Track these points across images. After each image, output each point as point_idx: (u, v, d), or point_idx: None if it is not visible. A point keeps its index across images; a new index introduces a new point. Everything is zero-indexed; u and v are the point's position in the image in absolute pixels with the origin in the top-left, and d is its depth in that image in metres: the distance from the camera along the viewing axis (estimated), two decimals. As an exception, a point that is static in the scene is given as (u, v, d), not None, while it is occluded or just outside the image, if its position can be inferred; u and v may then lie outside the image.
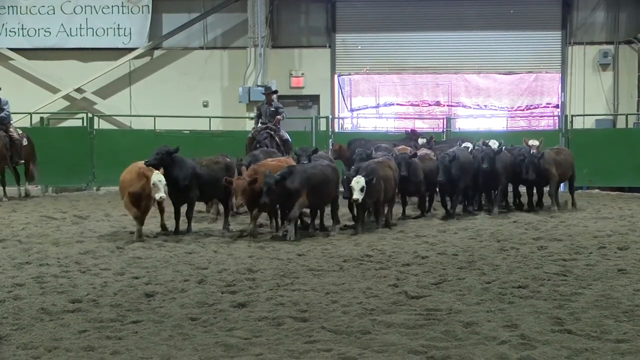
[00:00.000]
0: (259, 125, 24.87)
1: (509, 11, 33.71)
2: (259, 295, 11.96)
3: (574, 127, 30.68)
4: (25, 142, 26.21)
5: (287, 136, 25.12)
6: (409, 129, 28.60)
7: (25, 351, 9.11)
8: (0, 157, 25.27)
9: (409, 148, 22.80)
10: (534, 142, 21.77)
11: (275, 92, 26.33)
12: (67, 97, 34.16)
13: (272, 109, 25.10)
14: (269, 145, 23.74)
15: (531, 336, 9.35)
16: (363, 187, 17.25)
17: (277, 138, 24.47)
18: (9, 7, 33.82)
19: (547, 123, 34.14)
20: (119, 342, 9.43)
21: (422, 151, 21.66)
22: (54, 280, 13.18)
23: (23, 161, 26.03)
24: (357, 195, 17.32)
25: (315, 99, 34.16)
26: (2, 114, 25.62)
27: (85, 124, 30.83)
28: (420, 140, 25.39)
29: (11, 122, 26.32)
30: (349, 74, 34.62)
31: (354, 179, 17.33)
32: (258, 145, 23.63)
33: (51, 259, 15.04)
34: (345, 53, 34.30)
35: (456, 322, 10.14)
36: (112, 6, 33.74)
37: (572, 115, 31.26)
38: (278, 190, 16.76)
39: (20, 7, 33.81)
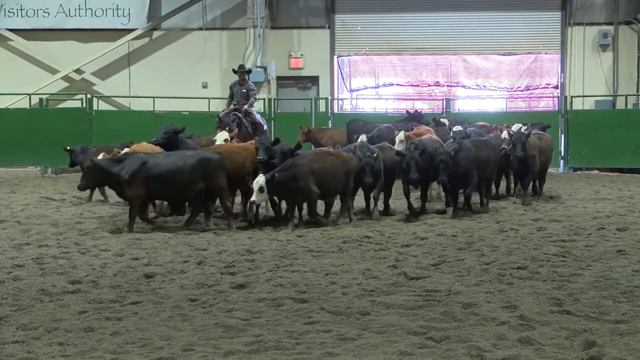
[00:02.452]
0: (231, 106, 24.20)
1: (509, -8, 33.69)
2: (258, 276, 11.98)
3: (573, 108, 30.76)
4: None
5: (259, 119, 24.52)
6: (413, 110, 28.37)
7: (25, 332, 9.13)
8: None
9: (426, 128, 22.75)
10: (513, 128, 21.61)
11: (249, 71, 25.71)
12: (66, 78, 34.15)
13: (244, 90, 24.42)
14: (234, 128, 22.77)
15: (530, 317, 9.37)
16: (262, 187, 15.96)
17: (245, 121, 23.74)
18: (7, -12, 33.81)
19: (546, 104, 34.17)
20: (119, 323, 9.45)
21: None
22: (53, 261, 13.19)
23: None
24: (254, 197, 16.17)
25: (314, 80, 34.16)
26: None
27: (84, 105, 30.87)
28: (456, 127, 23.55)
29: None
30: (349, 55, 34.61)
31: (256, 179, 16.19)
32: (227, 129, 23.11)
33: (51, 240, 15.06)
34: (344, 34, 34.27)
35: (455, 303, 10.16)
36: (112, -13, 33.72)
37: (572, 97, 31.31)
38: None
39: (19, -13, 33.79)
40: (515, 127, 21.50)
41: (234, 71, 24.84)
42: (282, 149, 17.06)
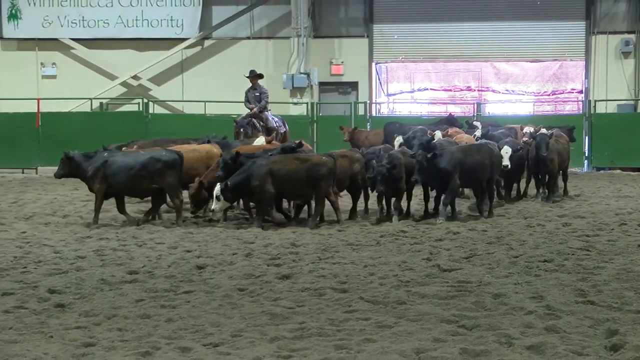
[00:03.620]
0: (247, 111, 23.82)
1: (535, 2, 33.40)
2: (301, 267, 12.00)
3: (596, 112, 30.54)
4: None
5: (273, 123, 23.77)
6: (447, 113, 28.33)
7: (87, 318, 9.20)
8: None
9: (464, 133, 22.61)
10: (529, 129, 21.40)
11: (260, 76, 24.73)
12: (124, 84, 34.30)
13: (257, 93, 24.01)
14: (249, 131, 22.77)
15: (556, 307, 9.32)
16: (218, 196, 15.76)
17: (259, 125, 23.22)
18: (70, 0, 33.97)
19: (571, 108, 33.88)
20: (173, 311, 9.50)
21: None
22: (112, 253, 13.29)
23: None
24: (214, 206, 16.10)
25: (354, 85, 34.08)
26: None
27: (141, 109, 31.07)
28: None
29: None
30: (386, 62, 34.52)
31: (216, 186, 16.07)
32: (242, 130, 22.85)
33: (110, 234, 15.16)
34: (382, 42, 34.17)
35: (486, 293, 10.13)
36: (166, -1, 33.87)
37: (595, 100, 31.08)
38: None
39: (81, 0, 33.95)
40: (526, 129, 21.31)
41: (247, 77, 24.51)
42: (283, 148, 17.17)
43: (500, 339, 8.15)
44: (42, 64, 34.43)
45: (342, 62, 33.87)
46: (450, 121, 26.16)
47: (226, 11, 34.02)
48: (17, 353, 7.89)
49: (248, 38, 34.17)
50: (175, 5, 33.81)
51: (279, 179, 15.89)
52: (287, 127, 24.59)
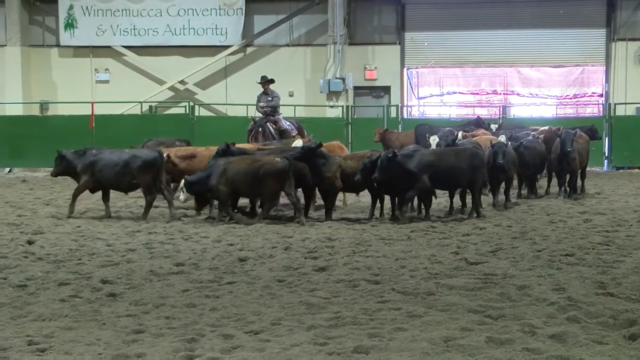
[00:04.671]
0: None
1: (558, 11, 33.20)
2: (337, 260, 11.99)
3: (616, 114, 30.40)
4: None
5: (286, 126, 23.26)
6: (475, 116, 28.30)
7: (137, 307, 9.24)
8: None
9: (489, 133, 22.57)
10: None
11: (271, 81, 24.10)
12: (171, 88, 34.44)
13: (269, 98, 23.63)
14: (261, 134, 22.47)
15: (577, 298, 9.25)
16: (182, 188, 16.43)
17: (271, 128, 22.86)
18: (122, 10, 34.15)
19: (592, 110, 33.60)
20: (217, 300, 9.52)
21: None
22: (160, 246, 13.35)
23: None
24: (181, 197, 16.58)
25: (386, 89, 34.03)
26: None
27: (187, 112, 31.23)
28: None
29: None
30: (416, 67, 34.40)
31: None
32: (260, 129, 22.55)
33: (158, 228, 15.23)
34: (413, 49, 34.11)
35: (510, 285, 10.08)
36: (211, 9, 33.91)
37: (615, 104, 30.89)
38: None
39: (132, 10, 34.12)
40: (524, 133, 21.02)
41: (258, 82, 24.21)
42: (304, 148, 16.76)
43: (524, 328, 8.11)
44: (96, 69, 34.67)
45: (376, 68, 33.83)
46: (478, 123, 26.12)
47: (267, 20, 34.10)
48: (72, 339, 7.95)
49: (287, 45, 34.20)
50: (220, 15, 33.92)
51: (231, 178, 15.88)
52: (304, 132, 24.01)
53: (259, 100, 23.83)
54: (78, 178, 16.91)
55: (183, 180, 16.51)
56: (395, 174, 15.77)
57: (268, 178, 15.89)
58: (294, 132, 23.43)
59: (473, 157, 16.66)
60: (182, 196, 16.61)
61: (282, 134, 22.79)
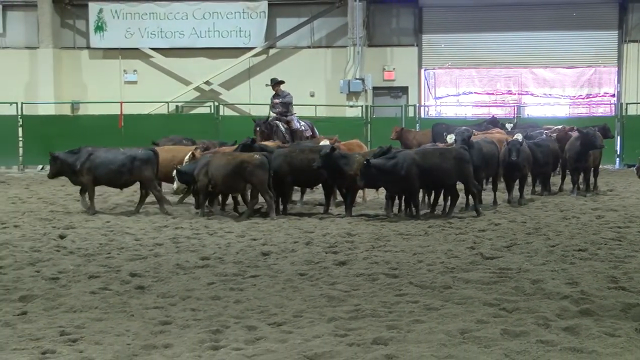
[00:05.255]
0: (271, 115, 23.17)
1: (572, 14, 33.08)
2: (356, 255, 11.99)
3: (628, 114, 30.23)
4: None
5: (297, 126, 22.83)
6: (492, 115, 28.24)
7: (164, 299, 9.27)
8: None
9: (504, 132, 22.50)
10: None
11: (281, 82, 23.62)
12: (197, 89, 34.51)
13: (280, 98, 23.16)
14: (269, 132, 21.95)
15: (590, 292, 9.22)
16: (174, 176, 16.68)
17: (282, 128, 22.37)
18: (150, 13, 34.25)
19: (604, 110, 33.46)
20: (241, 293, 9.54)
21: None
22: (187, 240, 13.38)
23: None
24: (174, 185, 16.88)
25: (404, 89, 33.99)
26: None
27: (212, 111, 31.30)
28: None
29: None
30: (434, 68, 34.34)
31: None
32: (258, 129, 21.97)
33: (184, 224, 15.27)
34: (430, 50, 34.07)
35: (525, 279, 10.04)
36: (235, 12, 33.97)
37: (627, 103, 30.76)
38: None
39: (159, 13, 34.21)
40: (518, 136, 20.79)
41: (268, 85, 24.04)
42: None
43: (538, 321, 8.08)
44: (124, 71, 34.78)
45: (394, 69, 33.80)
46: (493, 122, 26.07)
47: (289, 23, 34.13)
48: (102, 330, 7.98)
49: (309, 47, 34.21)
50: (244, 18, 33.97)
51: (211, 172, 15.99)
52: (316, 131, 23.70)
53: (271, 102, 23.59)
54: (76, 177, 16.94)
55: (175, 170, 16.73)
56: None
57: (247, 174, 15.96)
58: (308, 133, 23.14)
59: (458, 158, 16.15)
60: (175, 184, 16.84)
61: (293, 133, 22.55)
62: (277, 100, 23.24)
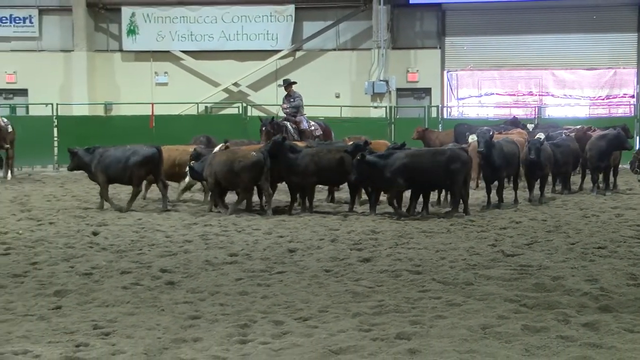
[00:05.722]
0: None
1: (592, 17, 32.90)
2: (380, 252, 11.97)
3: (646, 114, 30.10)
4: (10, 129, 24.74)
5: (305, 126, 22.48)
6: (512, 117, 28.15)
7: (193, 294, 9.30)
8: None
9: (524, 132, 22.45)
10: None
11: (294, 83, 23.39)
12: (226, 90, 34.61)
13: (292, 99, 22.86)
14: (276, 132, 20.94)
15: (609, 289, 9.16)
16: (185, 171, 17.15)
17: (291, 128, 21.95)
18: (180, 17, 34.42)
19: (623, 111, 33.24)
20: (268, 289, 9.55)
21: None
22: (215, 238, 13.41)
23: (7, 146, 24.45)
24: (187, 179, 17.31)
25: (427, 91, 33.95)
26: None
27: (240, 112, 31.36)
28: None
29: None
30: (456, 70, 34.25)
31: None
32: (264, 129, 21.41)
33: (213, 221, 15.30)
34: (452, 53, 34.00)
35: (545, 276, 9.99)
36: (263, 16, 34.06)
37: (646, 104, 30.62)
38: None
39: (189, 17, 34.37)
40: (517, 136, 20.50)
41: (280, 86, 23.88)
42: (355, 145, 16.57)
43: (558, 317, 8.04)
44: (155, 73, 34.95)
45: (417, 71, 33.75)
46: (514, 123, 25.97)
47: (315, 26, 34.17)
48: (134, 324, 8.01)
49: (334, 49, 34.22)
50: (271, 21, 34.05)
51: (214, 169, 16.25)
52: (332, 132, 23.44)
53: (283, 103, 23.42)
54: (91, 174, 17.31)
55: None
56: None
57: (240, 171, 16.13)
58: (318, 132, 22.80)
59: (446, 160, 15.73)
60: (186, 179, 17.23)
61: (302, 133, 22.25)
62: (285, 105, 23.11)
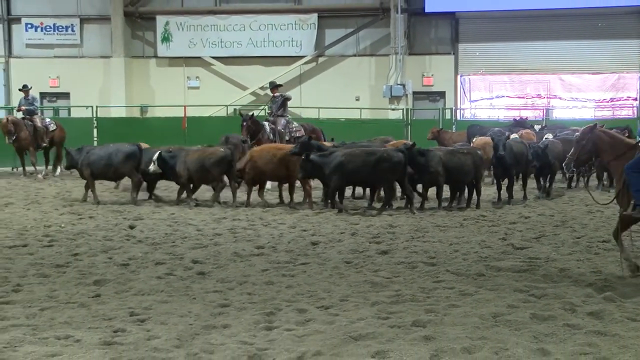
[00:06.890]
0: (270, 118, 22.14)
1: (597, 24, 32.65)
2: (397, 245, 11.96)
3: (649, 116, 29.89)
4: (53, 127, 24.84)
5: (281, 128, 21.39)
6: (518, 117, 27.95)
7: (223, 284, 9.32)
8: (24, 141, 23.95)
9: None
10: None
11: (279, 85, 23.07)
12: (253, 93, 34.64)
13: (277, 100, 22.09)
14: (256, 127, 20.71)
15: (613, 280, 9.13)
16: (154, 161, 16.92)
17: (267, 128, 20.97)
18: (211, 25, 34.50)
19: (627, 113, 32.95)
20: (292, 279, 9.56)
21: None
22: (243, 231, 13.44)
23: (46, 144, 24.55)
24: (152, 167, 17.07)
25: (442, 94, 33.82)
26: (31, 107, 24.51)
27: (266, 114, 31.24)
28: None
29: (37, 112, 24.89)
30: (469, 75, 34.10)
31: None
32: (244, 124, 20.71)
33: (241, 215, 15.34)
34: (466, 58, 33.85)
35: (552, 268, 9.96)
36: (288, 24, 34.07)
37: (648, 106, 30.40)
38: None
39: (219, 25, 34.44)
40: (513, 136, 20.25)
41: (267, 87, 23.59)
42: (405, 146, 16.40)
43: (564, 306, 8.00)
44: (188, 77, 35.06)
45: (432, 75, 33.65)
46: (519, 123, 25.83)
47: (336, 33, 34.14)
48: (167, 311, 8.04)
49: (354, 55, 34.18)
50: (295, 29, 34.06)
51: (186, 165, 16.65)
52: (322, 135, 22.33)
53: (270, 104, 22.83)
54: (81, 172, 17.56)
55: (156, 155, 17.08)
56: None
57: (210, 166, 16.60)
58: (299, 133, 21.57)
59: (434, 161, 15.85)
60: (151, 167, 17.12)
61: (279, 134, 21.27)
62: (269, 112, 22.46)
